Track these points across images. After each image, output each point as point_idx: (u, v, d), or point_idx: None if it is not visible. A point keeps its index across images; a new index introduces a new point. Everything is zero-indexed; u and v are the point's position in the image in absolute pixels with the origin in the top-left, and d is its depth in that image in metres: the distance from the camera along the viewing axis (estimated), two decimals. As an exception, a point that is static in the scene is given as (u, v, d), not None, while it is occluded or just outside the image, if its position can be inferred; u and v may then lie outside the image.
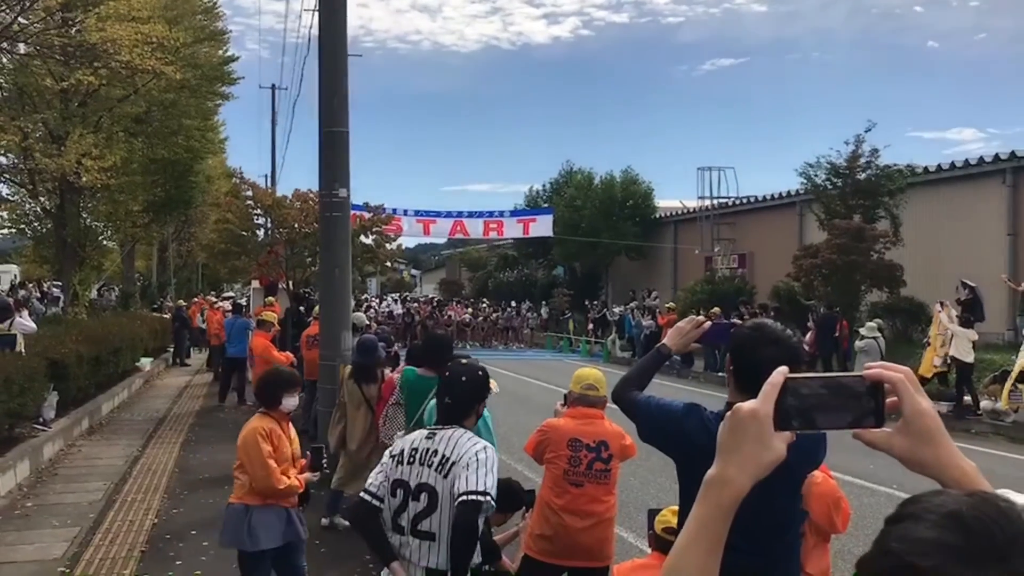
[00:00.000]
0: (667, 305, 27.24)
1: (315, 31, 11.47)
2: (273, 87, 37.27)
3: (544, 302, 37.71)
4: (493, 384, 4.06)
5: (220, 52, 23.21)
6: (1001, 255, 20.96)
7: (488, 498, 3.43)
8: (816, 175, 22.25)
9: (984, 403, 14.88)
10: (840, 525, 3.94)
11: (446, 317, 34.36)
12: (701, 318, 3.36)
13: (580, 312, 35.35)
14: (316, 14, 11.08)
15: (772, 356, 2.85)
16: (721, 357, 19.28)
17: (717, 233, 32.09)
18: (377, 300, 39.36)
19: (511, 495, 5.47)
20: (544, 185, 42.93)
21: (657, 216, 37.52)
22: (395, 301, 38.96)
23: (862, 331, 17.08)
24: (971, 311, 17.46)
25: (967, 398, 14.99)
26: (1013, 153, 21.24)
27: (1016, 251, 20.89)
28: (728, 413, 1.29)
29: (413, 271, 78.82)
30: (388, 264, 19.97)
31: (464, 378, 3.67)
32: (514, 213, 35.93)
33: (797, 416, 1.22)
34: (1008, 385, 13.72)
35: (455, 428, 3.62)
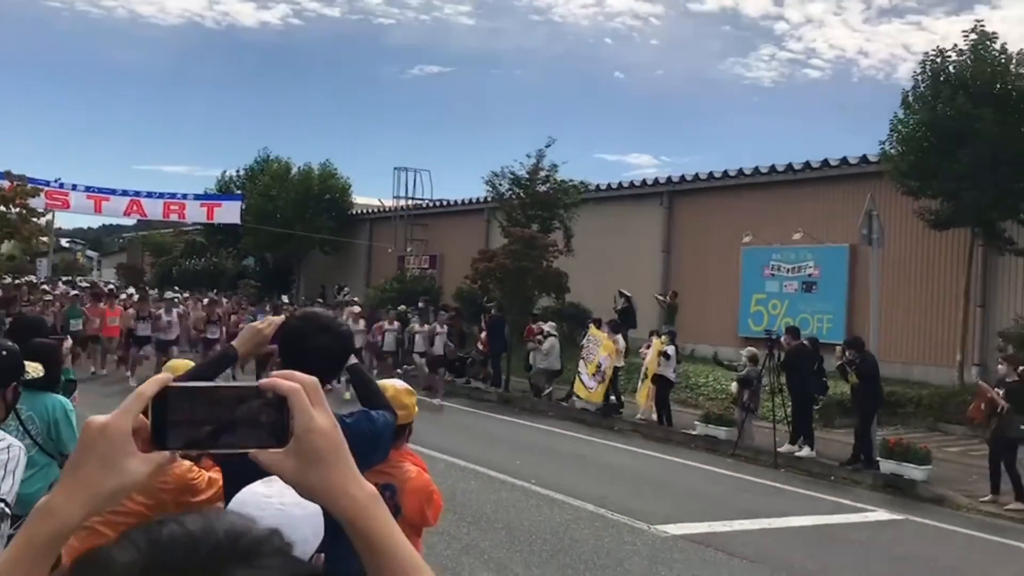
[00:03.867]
0: (354, 300, 27.15)
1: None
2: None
3: (231, 292, 36.19)
4: (33, 367, 3.66)
5: None
6: (656, 269, 23.23)
7: (2, 505, 3.05)
8: (500, 184, 23.24)
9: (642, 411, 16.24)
10: (432, 518, 3.96)
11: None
12: (280, 318, 3.05)
13: (269, 305, 34.18)
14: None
15: (321, 345, 2.74)
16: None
17: (411, 233, 32.60)
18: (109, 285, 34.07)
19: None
20: (239, 171, 41.15)
21: (354, 212, 37.41)
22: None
23: (546, 328, 18.18)
24: (625, 319, 19.09)
25: (612, 398, 16.34)
26: (669, 178, 23.82)
27: (668, 266, 23.26)
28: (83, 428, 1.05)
29: (89, 253, 72.40)
30: (34, 241, 18.07)
31: None
32: (198, 197, 34.14)
33: (177, 432, 1.02)
34: (643, 387, 15.11)
35: None
